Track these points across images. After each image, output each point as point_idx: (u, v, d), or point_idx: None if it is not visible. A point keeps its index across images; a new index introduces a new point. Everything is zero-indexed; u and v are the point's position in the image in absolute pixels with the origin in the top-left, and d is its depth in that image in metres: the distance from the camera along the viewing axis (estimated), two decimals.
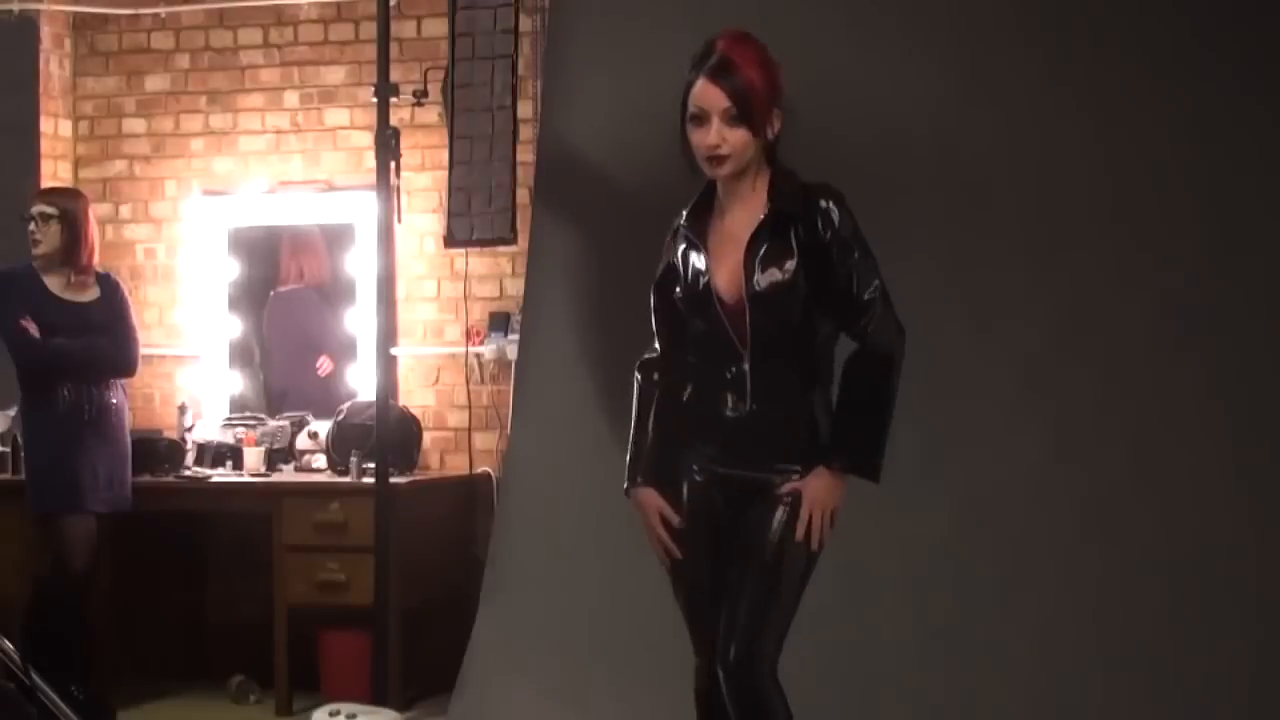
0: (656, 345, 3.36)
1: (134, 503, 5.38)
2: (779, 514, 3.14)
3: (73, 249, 5.29)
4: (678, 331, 3.28)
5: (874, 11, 4.90)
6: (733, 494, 3.21)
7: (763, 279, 3.12)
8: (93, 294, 5.36)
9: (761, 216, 3.15)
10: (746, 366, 3.14)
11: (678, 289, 3.24)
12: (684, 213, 3.27)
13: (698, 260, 3.20)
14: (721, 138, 3.11)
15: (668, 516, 3.25)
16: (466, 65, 5.39)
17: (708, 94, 3.11)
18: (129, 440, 5.40)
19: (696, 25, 4.96)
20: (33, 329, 5.19)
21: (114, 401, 5.31)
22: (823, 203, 3.13)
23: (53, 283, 5.30)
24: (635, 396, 3.38)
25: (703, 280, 3.18)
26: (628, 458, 3.34)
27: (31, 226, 5.28)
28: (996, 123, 4.80)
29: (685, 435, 3.25)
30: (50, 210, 5.29)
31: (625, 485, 3.33)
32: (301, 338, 6.42)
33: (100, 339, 5.27)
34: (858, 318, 3.16)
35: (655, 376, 3.34)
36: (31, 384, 5.26)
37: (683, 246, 3.24)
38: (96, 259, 5.42)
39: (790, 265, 3.12)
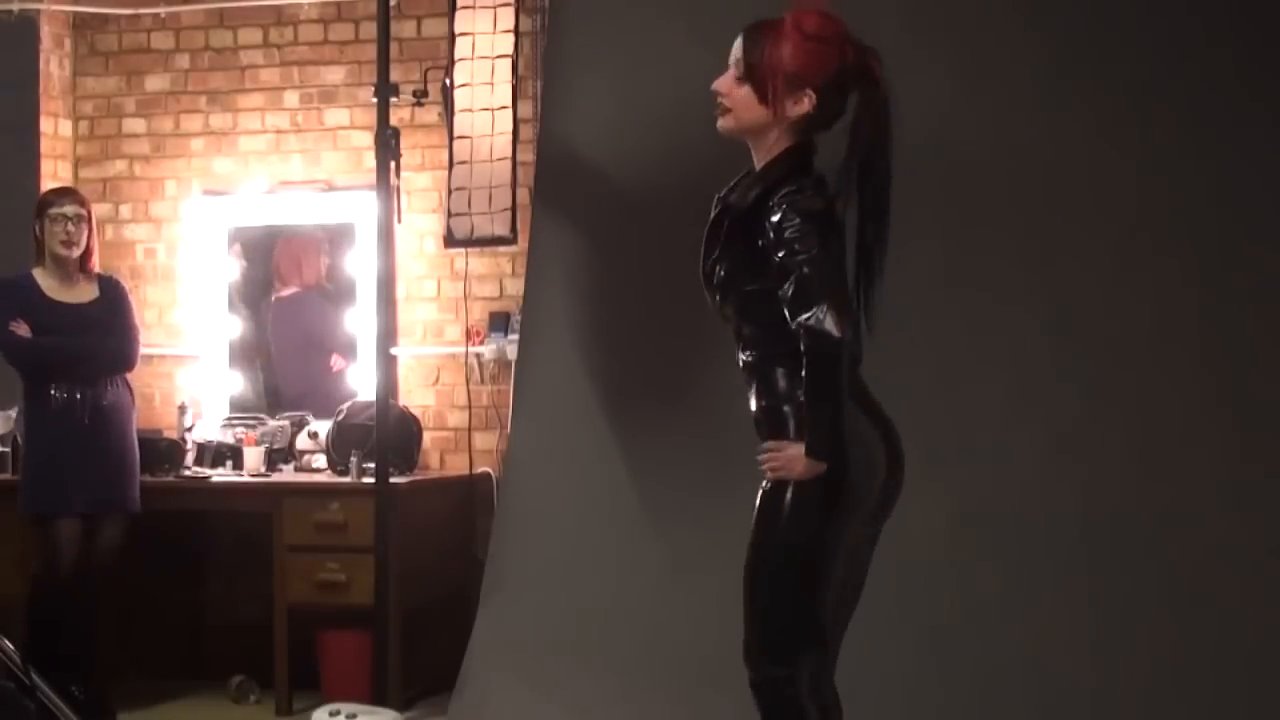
0: None
1: (138, 503, 5.38)
2: (755, 511, 3.04)
3: (91, 251, 5.39)
4: None
5: (872, 10, 4.89)
6: None
7: (713, 264, 3.07)
8: (90, 295, 5.39)
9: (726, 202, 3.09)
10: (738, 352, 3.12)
11: None
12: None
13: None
14: (727, 87, 3.09)
15: None
16: (466, 65, 5.39)
17: (736, 43, 3.09)
18: (134, 440, 5.41)
19: (696, 25, 5.01)
20: (22, 329, 5.22)
21: (110, 402, 5.31)
22: (773, 199, 2.97)
23: (51, 286, 5.33)
24: None
25: (705, 261, 3.12)
26: None
27: (70, 228, 5.31)
28: (996, 122, 4.80)
29: None
30: (84, 212, 5.38)
31: None
32: (305, 340, 6.41)
33: (92, 335, 5.28)
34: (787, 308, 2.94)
35: None
36: (28, 385, 5.30)
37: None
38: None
39: (729, 255, 3.05)
